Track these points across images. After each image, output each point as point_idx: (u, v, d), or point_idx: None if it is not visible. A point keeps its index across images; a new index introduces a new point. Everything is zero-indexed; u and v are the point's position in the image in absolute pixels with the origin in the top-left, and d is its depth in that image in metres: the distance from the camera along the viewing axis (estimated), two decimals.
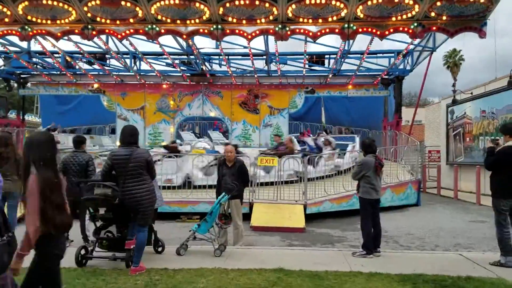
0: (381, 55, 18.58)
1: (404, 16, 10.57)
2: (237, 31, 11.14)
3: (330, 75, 18.78)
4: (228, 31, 11.16)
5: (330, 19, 10.74)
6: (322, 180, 11.94)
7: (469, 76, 64.30)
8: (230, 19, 10.89)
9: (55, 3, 10.43)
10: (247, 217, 9.84)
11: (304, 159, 11.84)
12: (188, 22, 11.09)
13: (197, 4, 10.37)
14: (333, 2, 10.14)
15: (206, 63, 19.20)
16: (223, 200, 6.89)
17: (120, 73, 19.70)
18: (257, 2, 10.23)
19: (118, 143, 6.34)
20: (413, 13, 10.39)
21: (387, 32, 10.88)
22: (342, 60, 17.70)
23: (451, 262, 6.37)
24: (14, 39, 14.69)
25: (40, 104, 25.51)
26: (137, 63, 19.25)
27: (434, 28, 10.97)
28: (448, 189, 17.79)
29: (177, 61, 18.32)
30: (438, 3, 10.07)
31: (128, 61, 18.59)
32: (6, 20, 11.11)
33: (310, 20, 10.82)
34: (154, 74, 19.22)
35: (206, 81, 19.59)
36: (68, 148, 11.95)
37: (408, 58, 18.00)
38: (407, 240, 8.82)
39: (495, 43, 17.98)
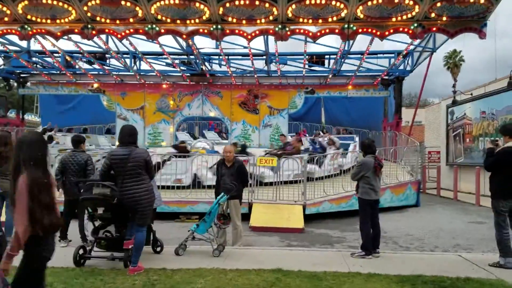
0: (381, 55, 18.57)
1: (404, 17, 10.58)
2: (237, 31, 11.14)
3: (330, 76, 18.77)
4: (228, 31, 11.16)
5: (330, 20, 10.74)
6: (321, 181, 11.93)
7: (469, 77, 64.38)
8: (230, 19, 10.90)
9: (54, 2, 10.43)
10: (246, 217, 9.83)
11: (303, 159, 11.82)
12: (188, 22, 11.09)
13: (197, 4, 10.37)
14: (333, 3, 10.14)
15: (206, 63, 19.19)
16: (222, 200, 6.88)
17: (120, 73, 19.69)
18: (257, 2, 10.23)
19: (117, 143, 6.33)
20: (413, 13, 10.40)
21: (387, 33, 10.89)
22: (342, 60, 17.69)
23: (450, 263, 6.35)
24: (14, 38, 14.69)
25: (40, 104, 25.53)
26: (137, 63, 19.24)
27: (434, 28, 10.98)
28: (447, 190, 17.79)
29: (177, 61, 18.30)
30: (438, 4, 10.07)
31: (128, 61, 18.58)
32: (6, 19, 11.12)
33: (310, 21, 10.82)
34: (154, 74, 19.20)
35: (206, 81, 19.57)
36: (67, 148, 11.97)
37: (408, 59, 18.00)
38: (406, 241, 8.81)
39: (495, 44, 17.98)
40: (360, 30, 10.95)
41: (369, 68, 18.79)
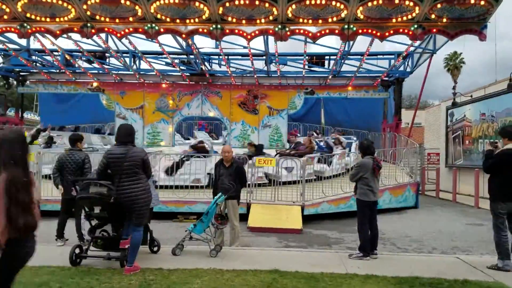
0: (381, 56, 18.55)
1: (404, 18, 10.56)
2: (236, 31, 11.11)
3: (330, 76, 18.74)
4: (227, 31, 11.13)
5: (330, 20, 10.72)
6: (320, 182, 11.91)
7: (470, 79, 64.37)
8: (229, 18, 10.88)
9: (54, 0, 10.41)
10: (244, 217, 9.81)
11: (303, 159, 11.80)
12: (187, 21, 11.07)
13: (197, 4, 10.35)
14: (333, 3, 10.12)
15: (206, 63, 19.15)
16: (220, 200, 6.85)
17: (119, 72, 19.64)
18: (257, 2, 10.21)
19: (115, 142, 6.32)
20: (413, 15, 10.38)
21: (387, 34, 10.87)
22: (342, 61, 17.66)
23: (448, 265, 6.33)
24: (13, 36, 14.64)
25: (39, 102, 25.46)
26: (137, 62, 19.21)
27: (434, 30, 10.97)
28: (447, 192, 17.77)
29: (176, 61, 18.26)
30: (439, 5, 10.06)
31: (127, 60, 18.54)
32: (5, 17, 11.10)
33: (310, 21, 10.80)
34: (154, 73, 19.15)
35: (205, 81, 19.53)
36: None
37: (408, 60, 17.97)
38: (404, 242, 8.79)
39: (495, 46, 17.96)
40: (360, 31, 10.93)
41: (369, 69, 18.77)
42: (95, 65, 19.09)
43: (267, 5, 10.27)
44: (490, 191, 6.28)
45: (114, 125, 20.31)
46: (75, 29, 11.26)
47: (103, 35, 14.71)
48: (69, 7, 10.60)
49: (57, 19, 11.08)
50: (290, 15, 10.57)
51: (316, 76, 19.66)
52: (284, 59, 18.32)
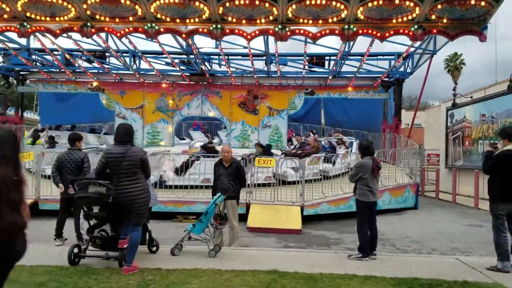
0: (381, 57, 18.52)
1: (405, 18, 10.54)
2: (236, 31, 11.10)
3: (330, 77, 18.73)
4: (227, 30, 11.12)
5: (330, 20, 10.71)
6: (319, 182, 11.91)
7: (470, 80, 64.33)
8: (229, 18, 10.86)
9: (54, 0, 10.38)
10: (243, 218, 9.79)
11: (302, 160, 11.79)
12: (187, 21, 11.06)
13: (197, 3, 10.33)
14: (334, 3, 10.10)
15: (206, 63, 19.13)
16: (219, 200, 6.84)
17: (119, 72, 19.62)
18: (257, 2, 10.19)
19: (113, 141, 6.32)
20: (414, 15, 10.36)
21: (387, 34, 10.86)
22: (342, 62, 17.64)
23: (447, 266, 6.32)
24: (14, 35, 14.64)
25: (39, 102, 25.44)
26: (137, 61, 19.17)
27: (435, 31, 10.96)
28: (446, 193, 17.76)
29: (176, 61, 18.23)
30: (439, 6, 10.04)
31: (127, 59, 18.51)
32: (5, 16, 11.09)
33: (310, 21, 10.79)
34: (154, 73, 19.12)
35: (205, 81, 19.51)
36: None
37: (408, 61, 17.95)
38: (404, 243, 8.78)
39: (495, 47, 17.95)
40: (360, 31, 10.92)
41: (369, 70, 18.75)
42: (95, 64, 19.07)
43: (267, 5, 10.25)
44: (490, 192, 6.27)
45: (111, 124, 20.34)
46: (75, 28, 11.24)
47: (103, 35, 14.70)
48: (69, 6, 10.59)
49: (57, 19, 11.06)
50: (290, 15, 10.56)
51: (316, 77, 19.64)
52: (284, 60, 18.30)
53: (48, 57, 18.53)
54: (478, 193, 14.42)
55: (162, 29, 11.25)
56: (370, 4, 10.08)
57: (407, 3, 9.97)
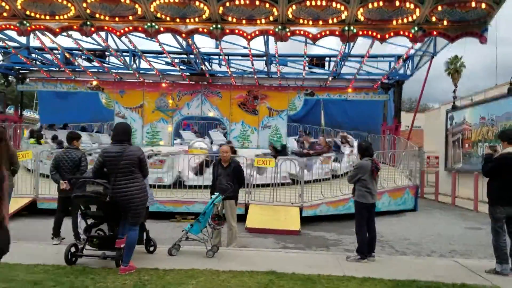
0: (381, 59, 18.51)
1: (405, 20, 10.51)
2: (236, 31, 11.07)
3: (330, 78, 18.71)
4: (227, 30, 11.09)
5: (330, 21, 10.68)
6: (319, 183, 11.89)
7: (470, 83, 64.34)
8: (230, 18, 10.83)
9: None
10: (242, 218, 9.78)
11: (301, 160, 11.78)
12: (187, 20, 11.03)
13: (197, 3, 10.30)
14: (334, 4, 10.08)
15: (206, 63, 19.11)
16: (217, 200, 6.81)
17: (119, 71, 19.59)
18: (257, 2, 10.16)
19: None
20: (414, 17, 10.34)
21: (387, 36, 10.83)
22: (342, 63, 17.63)
23: (446, 268, 6.29)
24: (13, 34, 14.61)
25: (39, 101, 25.41)
26: (137, 61, 19.14)
27: (435, 32, 10.92)
28: (446, 195, 17.73)
29: (176, 60, 18.20)
30: (439, 8, 10.01)
31: (127, 59, 18.48)
32: (5, 14, 11.05)
33: (310, 22, 10.76)
34: (153, 72, 19.09)
35: (205, 81, 19.49)
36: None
37: (408, 63, 17.93)
38: (402, 245, 8.75)
39: (496, 50, 17.94)
40: (360, 33, 10.89)
41: (369, 71, 18.73)
42: (95, 63, 19.04)
43: (267, 5, 10.23)
44: (489, 195, 6.25)
45: (110, 124, 20.28)
46: (75, 27, 11.20)
47: (103, 34, 14.67)
48: (69, 5, 10.56)
49: (57, 17, 11.03)
50: (290, 15, 10.53)
51: (316, 78, 19.61)
52: (284, 60, 18.29)
53: (48, 55, 18.50)
54: (478, 195, 14.40)
55: (162, 29, 11.23)
56: (370, 6, 10.05)
57: (408, 4, 9.94)
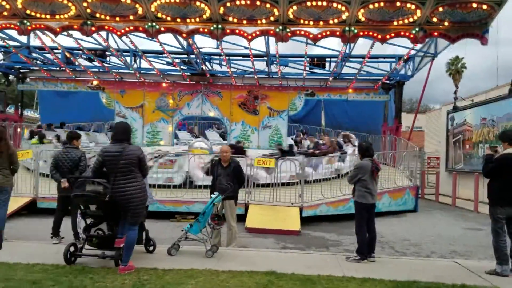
0: (382, 59, 18.51)
1: (406, 21, 10.48)
2: (237, 31, 11.05)
3: (331, 78, 18.70)
4: (228, 31, 11.07)
5: (331, 22, 10.65)
6: (319, 183, 11.88)
7: (470, 84, 64.22)
8: (230, 19, 10.81)
9: None
10: (242, 218, 9.77)
11: (301, 160, 11.76)
12: (188, 20, 11.01)
13: (198, 3, 10.28)
14: (335, 5, 10.06)
15: (207, 63, 19.11)
16: (216, 200, 6.80)
17: (119, 71, 19.60)
18: (258, 3, 10.14)
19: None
20: (415, 18, 10.31)
21: (388, 36, 10.80)
22: (343, 63, 17.62)
23: (446, 269, 6.27)
24: (14, 33, 14.61)
25: (39, 100, 25.42)
26: (137, 61, 19.14)
27: (436, 33, 10.89)
28: (446, 196, 17.71)
29: (177, 60, 18.20)
30: (440, 9, 9.99)
31: (128, 58, 18.49)
32: (5, 13, 11.03)
33: (311, 22, 10.74)
34: (154, 72, 19.10)
35: (206, 81, 19.49)
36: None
37: (409, 64, 17.92)
38: (403, 246, 8.74)
39: (497, 51, 17.92)
40: (361, 33, 10.86)
41: (370, 72, 18.73)
42: (96, 63, 19.05)
43: (268, 5, 10.21)
44: (489, 196, 6.23)
45: (111, 123, 20.26)
46: (75, 26, 11.18)
47: (103, 34, 14.68)
48: (69, 4, 10.54)
49: (57, 17, 11.01)
50: (291, 16, 10.52)
51: (316, 78, 19.60)
52: (285, 61, 18.28)
53: (48, 55, 18.51)
54: (478, 196, 14.39)
55: (162, 29, 11.21)
56: (371, 6, 10.03)
57: (409, 5, 9.93)
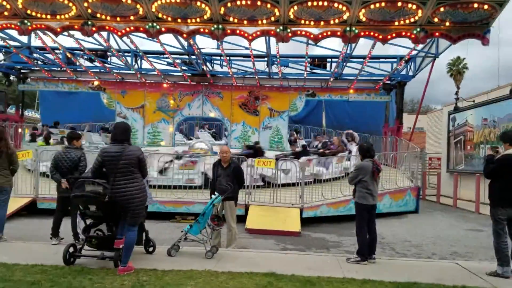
0: (383, 60, 18.47)
1: (407, 21, 10.48)
2: (238, 31, 11.05)
3: (332, 79, 18.68)
4: (229, 31, 11.07)
5: (332, 22, 10.65)
6: (319, 184, 11.85)
7: (472, 85, 64.06)
8: (231, 19, 10.81)
9: None
10: (242, 219, 9.75)
11: (300, 161, 11.74)
12: (189, 21, 11.01)
13: (198, 3, 10.29)
14: (336, 5, 10.05)
15: (207, 64, 19.11)
16: (216, 201, 6.78)
17: (120, 71, 19.60)
18: (258, 3, 10.14)
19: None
20: (416, 18, 10.30)
21: (389, 37, 10.79)
22: (344, 64, 17.59)
23: (447, 271, 6.24)
24: (15, 33, 14.62)
25: (40, 100, 25.43)
26: (138, 61, 19.15)
27: (437, 34, 10.88)
28: (447, 197, 17.67)
29: (178, 61, 18.22)
30: (442, 9, 9.97)
31: (129, 59, 18.49)
32: (6, 13, 11.05)
33: (312, 22, 10.73)
34: (155, 73, 19.11)
35: (206, 82, 19.49)
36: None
37: (410, 64, 17.89)
38: (403, 247, 8.71)
39: (498, 52, 17.88)
40: (362, 33, 10.85)
41: (371, 72, 18.70)
42: (97, 63, 19.05)
43: (269, 6, 10.20)
44: (490, 197, 6.20)
45: (112, 124, 20.21)
46: (76, 26, 11.19)
47: (104, 34, 14.69)
48: (70, 4, 10.55)
49: (58, 17, 11.03)
50: (292, 16, 10.50)
51: (317, 79, 19.58)
52: (286, 61, 18.26)
53: (49, 55, 18.53)
54: (479, 197, 14.34)
55: (163, 29, 11.21)
56: (372, 6, 10.02)
57: (410, 5, 9.91)
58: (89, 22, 11.04)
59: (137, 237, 5.83)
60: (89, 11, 10.76)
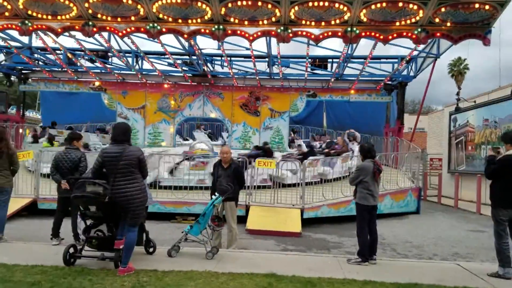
0: (384, 60, 18.45)
1: (408, 21, 10.45)
2: (238, 32, 11.03)
3: (333, 79, 18.66)
4: (229, 31, 11.05)
5: (333, 22, 10.63)
6: (320, 185, 11.84)
7: (473, 85, 64.03)
8: (232, 19, 10.79)
9: None
10: (243, 220, 9.73)
11: (303, 162, 11.72)
12: (189, 21, 10.99)
13: (199, 4, 10.27)
14: (337, 5, 10.03)
15: (208, 64, 19.10)
16: (217, 201, 6.77)
17: (121, 72, 19.60)
18: (259, 3, 10.12)
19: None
20: (417, 18, 10.28)
21: (390, 37, 10.77)
22: (345, 64, 17.57)
23: (448, 272, 6.23)
24: (16, 34, 14.62)
25: (41, 101, 25.45)
26: (139, 62, 19.14)
27: (438, 34, 10.85)
28: (448, 198, 17.64)
29: (179, 61, 18.21)
30: (443, 9, 9.95)
31: (130, 59, 18.48)
32: (7, 14, 11.05)
33: (313, 23, 10.71)
34: (156, 73, 19.11)
35: (207, 82, 19.48)
36: None
37: (411, 65, 17.85)
38: (404, 248, 8.69)
39: (499, 52, 17.85)
40: (363, 34, 10.83)
41: (372, 73, 18.68)
42: (97, 64, 19.05)
43: (269, 6, 10.19)
44: (492, 197, 6.19)
45: (113, 124, 20.22)
46: (77, 27, 11.18)
47: (105, 34, 14.69)
48: (71, 5, 10.54)
49: (59, 17, 11.02)
50: (292, 16, 10.48)
51: (318, 79, 19.54)
52: (287, 61, 18.24)
53: (50, 56, 18.53)
54: (480, 198, 14.31)
55: (164, 29, 11.19)
56: (373, 7, 9.99)
57: (411, 6, 9.89)
58: (90, 23, 11.04)
59: (138, 237, 5.83)
60: (90, 11, 10.76)
